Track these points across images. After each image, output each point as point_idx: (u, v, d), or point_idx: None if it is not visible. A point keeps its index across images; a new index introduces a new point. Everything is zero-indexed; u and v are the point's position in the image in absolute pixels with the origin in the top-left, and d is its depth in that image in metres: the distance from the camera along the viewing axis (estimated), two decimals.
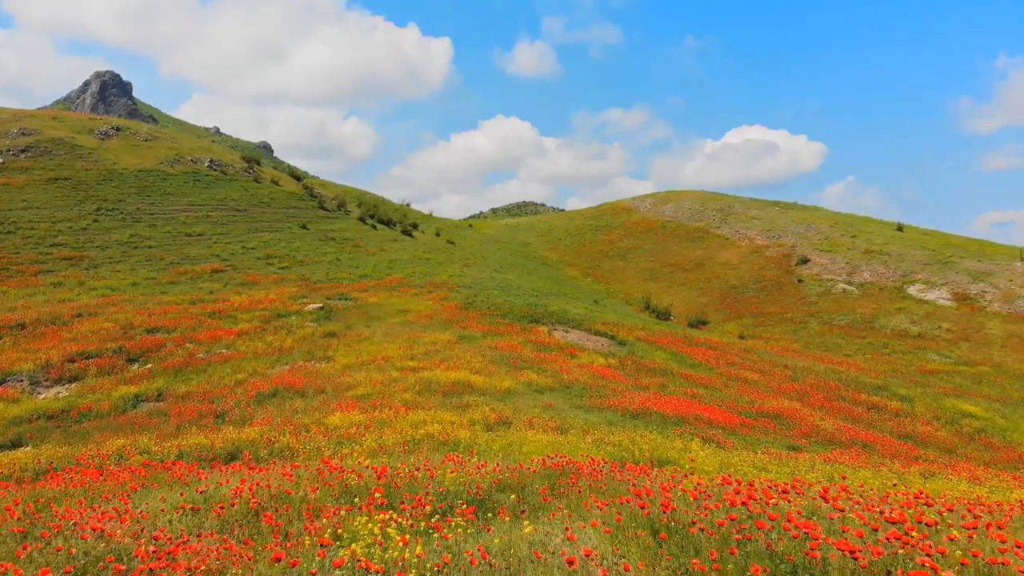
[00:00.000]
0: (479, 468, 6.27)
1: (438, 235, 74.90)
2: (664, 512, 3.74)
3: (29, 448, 16.41)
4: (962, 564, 3.13)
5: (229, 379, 22.28)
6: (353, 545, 3.69)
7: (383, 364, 22.71)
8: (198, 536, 4.18)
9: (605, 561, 3.37)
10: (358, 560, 3.44)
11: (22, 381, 24.22)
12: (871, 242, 70.93)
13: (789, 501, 4.19)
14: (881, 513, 3.85)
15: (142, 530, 4.35)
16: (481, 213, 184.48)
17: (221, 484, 5.37)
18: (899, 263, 65.88)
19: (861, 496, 4.91)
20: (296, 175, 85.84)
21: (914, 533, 2.98)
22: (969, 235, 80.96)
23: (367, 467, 6.15)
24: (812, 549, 2.78)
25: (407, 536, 3.73)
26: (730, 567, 3.17)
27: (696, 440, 13.55)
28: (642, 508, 3.75)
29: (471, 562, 3.46)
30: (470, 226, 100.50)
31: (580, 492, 5.45)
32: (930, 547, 2.92)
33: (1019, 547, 3.26)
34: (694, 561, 3.19)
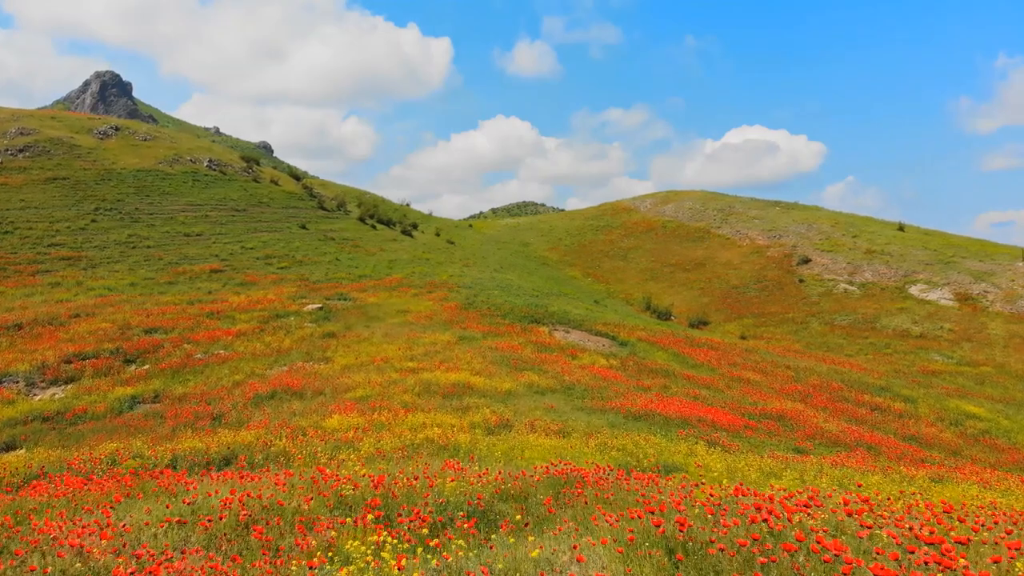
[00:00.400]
0: (480, 476, 6.03)
1: (438, 235, 74.67)
2: (680, 530, 3.51)
3: (23, 451, 16.17)
4: None
5: (227, 380, 22.03)
6: (344, 570, 3.44)
7: (382, 365, 22.47)
8: (182, 553, 3.94)
9: None
10: None
11: (18, 382, 23.98)
12: (872, 242, 70.68)
13: (810, 514, 3.96)
14: (911, 529, 3.62)
15: (124, 546, 4.11)
16: (481, 213, 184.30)
17: (210, 495, 5.13)
18: (901, 263, 65.64)
19: (886, 510, 4.67)
20: (295, 175, 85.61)
21: (952, 554, 2.76)
22: (970, 235, 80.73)
23: (364, 475, 5.91)
24: (846, 575, 2.55)
25: (404, 555, 3.49)
26: None
27: (701, 443, 13.30)
28: (657, 526, 3.52)
29: None
30: (470, 226, 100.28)
31: (587, 503, 5.21)
32: (971, 572, 2.69)
33: None
34: None
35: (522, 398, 18.50)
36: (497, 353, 25.08)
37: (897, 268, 65.02)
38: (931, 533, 3.36)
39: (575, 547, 3.68)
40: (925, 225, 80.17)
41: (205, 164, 67.70)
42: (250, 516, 4.61)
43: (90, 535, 4.18)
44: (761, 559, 3.01)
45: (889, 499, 5.99)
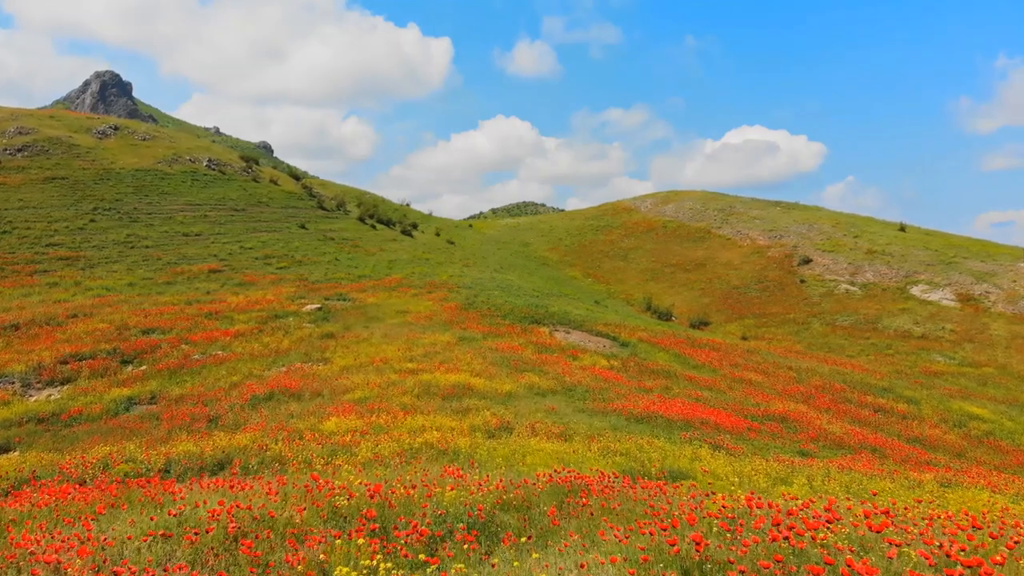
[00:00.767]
0: (480, 485, 5.80)
1: (438, 235, 74.44)
2: (697, 549, 3.29)
3: (16, 453, 15.94)
4: None
5: (224, 381, 21.80)
6: None
7: (381, 366, 22.23)
8: (165, 570, 3.71)
9: None
10: None
11: (14, 383, 23.76)
12: (873, 242, 70.47)
13: (829, 527, 3.74)
14: (940, 547, 3.40)
15: (104, 562, 3.89)
16: (481, 213, 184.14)
17: (198, 505, 4.90)
18: (902, 263, 65.42)
19: (908, 522, 4.45)
20: (295, 175, 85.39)
21: None
22: (970, 235, 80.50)
23: (360, 484, 5.69)
24: None
25: (401, 573, 3.29)
26: None
27: (705, 447, 13.07)
28: (671, 544, 3.30)
29: None
30: (470, 226, 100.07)
31: (592, 514, 4.99)
32: None
33: None
34: None
35: (523, 400, 18.26)
36: (497, 354, 24.85)
37: (898, 268, 64.81)
38: (963, 551, 3.16)
39: (582, 566, 3.45)
40: (925, 225, 80.00)
41: (204, 164, 67.47)
42: (239, 529, 4.39)
43: (69, 550, 3.97)
44: None
45: (906, 508, 5.77)
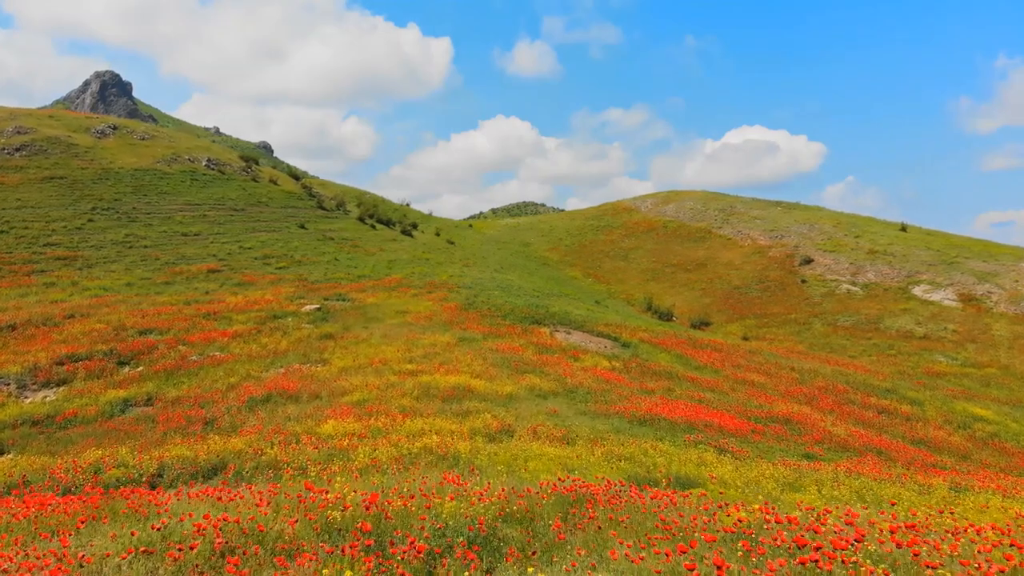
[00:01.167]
0: (481, 495, 5.55)
1: (438, 235, 74.21)
2: (719, 574, 3.05)
3: (10, 456, 15.70)
4: None
5: (221, 383, 21.54)
6: None
7: (380, 367, 21.97)
8: None
9: None
10: None
11: (9, 384, 23.51)
12: (875, 242, 70.23)
13: (854, 544, 3.50)
14: (978, 568, 3.17)
15: None
16: (481, 213, 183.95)
17: (183, 519, 4.65)
18: (903, 263, 65.18)
19: (935, 536, 4.21)
20: (295, 174, 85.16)
21: None
22: (971, 235, 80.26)
23: (356, 493, 5.44)
24: None
25: None
26: None
27: (710, 451, 12.83)
28: (691, 570, 3.05)
29: None
30: (470, 226, 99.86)
31: (600, 527, 4.74)
32: None
33: None
34: None
35: (524, 402, 18.01)
36: (498, 355, 24.60)
37: (900, 269, 64.57)
38: (1002, 573, 2.93)
39: None
40: (926, 225, 79.77)
41: (203, 163, 67.22)
42: (226, 544, 4.15)
43: (43, 568, 3.73)
44: None
45: (927, 517, 5.53)
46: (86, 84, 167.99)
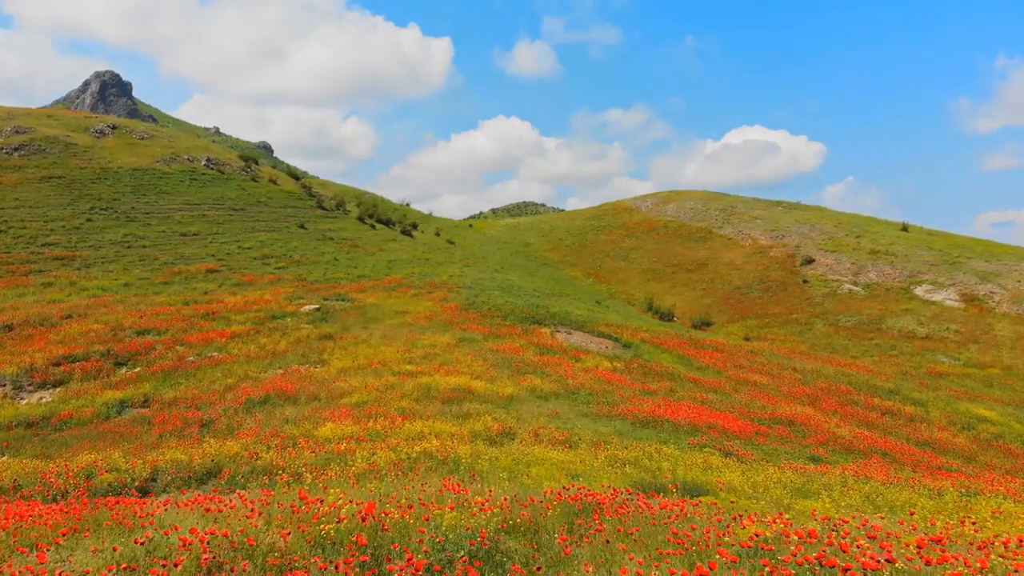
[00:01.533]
0: (483, 505, 5.32)
1: (438, 235, 74.01)
2: None
3: (3, 459, 15.47)
4: None
5: (219, 384, 21.32)
6: None
7: (380, 368, 21.74)
8: None
9: None
10: None
11: (4, 386, 23.28)
12: (876, 242, 70.00)
13: (883, 563, 3.28)
14: None
15: None
16: (481, 213, 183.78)
17: (167, 533, 4.42)
18: (905, 263, 64.96)
19: (962, 551, 4.00)
20: (294, 174, 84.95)
21: None
22: (971, 235, 79.98)
23: (351, 503, 5.21)
24: None
25: None
26: None
27: (716, 454, 12.60)
28: None
29: None
30: (470, 226, 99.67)
31: (608, 541, 4.52)
32: None
33: None
34: None
35: (525, 403, 17.78)
36: (498, 355, 24.36)
37: (902, 269, 64.33)
38: None
39: None
40: (926, 225, 79.54)
41: (203, 163, 67.00)
42: (213, 559, 3.93)
43: None
44: None
45: (947, 527, 5.31)
46: (86, 84, 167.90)
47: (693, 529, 4.49)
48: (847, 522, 5.04)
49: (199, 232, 50.85)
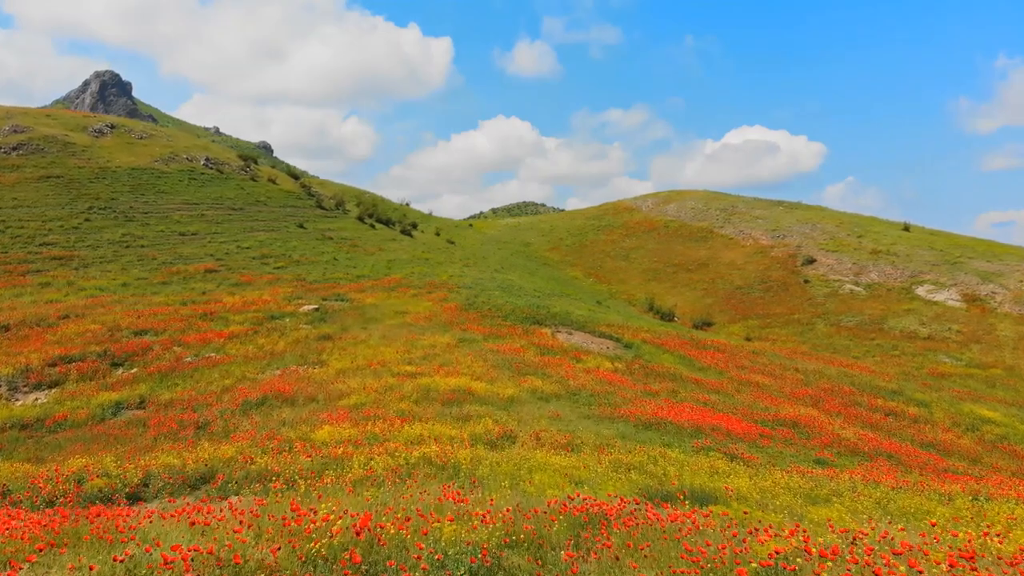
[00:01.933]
0: (484, 517, 5.08)
1: (438, 235, 73.78)
2: None
3: None
4: None
5: (216, 385, 21.06)
6: None
7: (379, 369, 21.48)
8: None
9: None
10: None
11: (0, 387, 23.06)
12: (878, 242, 69.77)
13: None
14: None
15: None
16: (481, 213, 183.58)
17: (149, 549, 4.18)
18: (907, 263, 64.71)
19: (997, 569, 3.76)
20: (294, 174, 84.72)
21: None
22: (972, 235, 79.65)
23: (346, 514, 4.97)
24: None
25: None
26: None
27: (721, 458, 12.36)
28: None
29: None
30: (470, 226, 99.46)
31: (617, 557, 4.28)
32: None
33: None
34: None
35: (525, 405, 17.53)
36: (499, 356, 24.11)
37: (903, 269, 64.09)
38: None
39: None
40: (927, 225, 79.31)
41: (202, 162, 66.74)
42: None
43: None
44: None
45: (971, 539, 5.08)
46: (86, 84, 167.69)
47: (708, 544, 4.25)
48: (866, 535, 4.80)
49: (198, 232, 50.59)
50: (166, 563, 3.69)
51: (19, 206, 49.99)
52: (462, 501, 5.78)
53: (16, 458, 14.83)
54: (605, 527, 5.02)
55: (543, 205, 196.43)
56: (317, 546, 4.22)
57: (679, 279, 70.41)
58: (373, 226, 64.01)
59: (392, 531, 4.51)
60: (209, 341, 26.76)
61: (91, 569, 3.80)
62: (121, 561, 3.90)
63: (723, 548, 4.21)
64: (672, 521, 5.14)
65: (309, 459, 10.07)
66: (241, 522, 4.92)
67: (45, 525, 5.02)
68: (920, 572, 3.06)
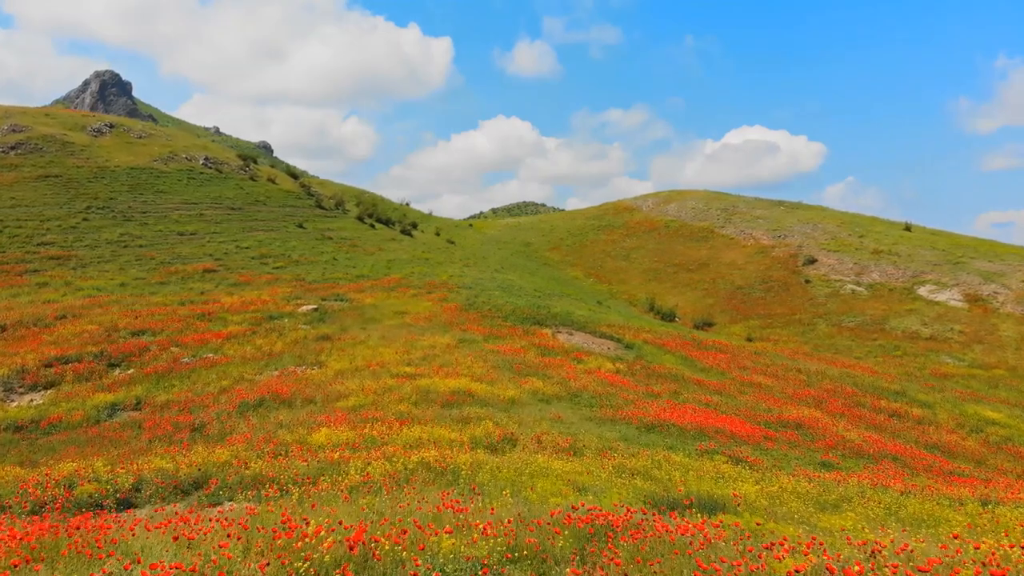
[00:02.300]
0: (484, 529, 4.84)
1: (438, 235, 73.54)
2: None
3: None
4: None
5: (213, 386, 20.82)
6: None
7: (378, 370, 21.24)
8: None
9: None
10: None
11: None
12: (879, 242, 69.50)
13: None
14: None
15: None
16: (481, 213, 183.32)
17: (128, 567, 3.94)
18: (908, 263, 64.44)
19: None
20: (293, 173, 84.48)
21: None
22: (972, 235, 79.36)
23: (339, 525, 4.74)
24: None
25: None
26: None
27: (726, 461, 12.13)
28: None
29: None
30: (470, 226, 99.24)
31: (626, 574, 4.06)
32: None
33: None
34: None
35: (526, 407, 17.28)
36: (499, 357, 23.87)
37: (905, 269, 63.82)
38: None
39: None
40: (927, 225, 79.06)
41: (201, 162, 66.49)
42: None
43: None
44: None
45: (993, 551, 4.85)
46: (86, 84, 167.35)
47: (722, 561, 4.03)
48: (885, 547, 4.57)
49: (196, 231, 50.36)
50: None
51: (17, 205, 49.77)
52: (462, 510, 5.55)
53: (8, 461, 14.60)
54: (612, 540, 4.79)
55: (543, 205, 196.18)
56: (307, 563, 3.99)
57: (680, 279, 70.16)
58: (373, 226, 63.78)
59: (387, 546, 4.28)
60: (207, 342, 26.53)
61: None
62: None
63: (738, 565, 3.99)
64: (682, 534, 4.90)
65: (305, 464, 9.83)
66: (229, 535, 4.69)
67: (22, 538, 4.79)
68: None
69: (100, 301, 34.38)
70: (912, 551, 4.68)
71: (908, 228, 75.24)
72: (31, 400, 21.70)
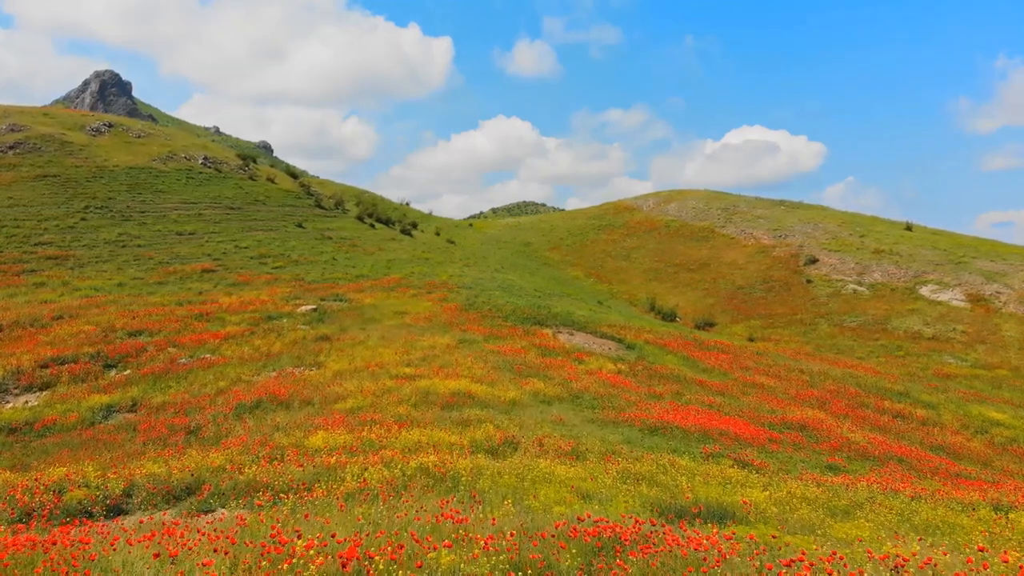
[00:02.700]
0: (486, 543, 4.59)
1: (438, 235, 73.29)
2: None
3: None
4: None
5: (210, 387, 20.56)
6: None
7: (377, 371, 20.98)
8: None
9: None
10: None
11: None
12: (880, 242, 69.25)
13: None
14: None
15: None
16: (481, 213, 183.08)
17: None
18: (910, 263, 64.19)
19: None
20: (293, 173, 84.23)
21: None
22: (972, 235, 79.08)
23: (332, 539, 4.50)
24: None
25: None
26: None
27: (731, 465, 11.88)
28: None
29: None
30: (470, 226, 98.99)
31: None
32: None
33: None
34: None
35: (527, 409, 17.03)
36: (499, 357, 23.60)
37: (907, 268, 63.56)
38: None
39: None
40: (928, 225, 78.82)
41: (200, 161, 66.24)
42: None
43: None
44: None
45: (1020, 562, 4.61)
46: (85, 84, 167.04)
47: None
48: (908, 560, 4.33)
49: (195, 231, 50.11)
50: None
51: (15, 205, 49.51)
52: (462, 521, 5.30)
53: (1, 464, 14.35)
54: (620, 554, 4.54)
55: (543, 205, 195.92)
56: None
57: (680, 279, 69.91)
58: (373, 226, 63.52)
59: (382, 564, 4.02)
60: (204, 342, 26.28)
61: None
62: None
63: None
64: (695, 548, 4.66)
65: (301, 469, 9.56)
66: (216, 550, 4.45)
67: None
68: None
69: (97, 301, 34.14)
70: (936, 565, 4.43)
71: (909, 228, 75.01)
72: (26, 401, 21.45)
